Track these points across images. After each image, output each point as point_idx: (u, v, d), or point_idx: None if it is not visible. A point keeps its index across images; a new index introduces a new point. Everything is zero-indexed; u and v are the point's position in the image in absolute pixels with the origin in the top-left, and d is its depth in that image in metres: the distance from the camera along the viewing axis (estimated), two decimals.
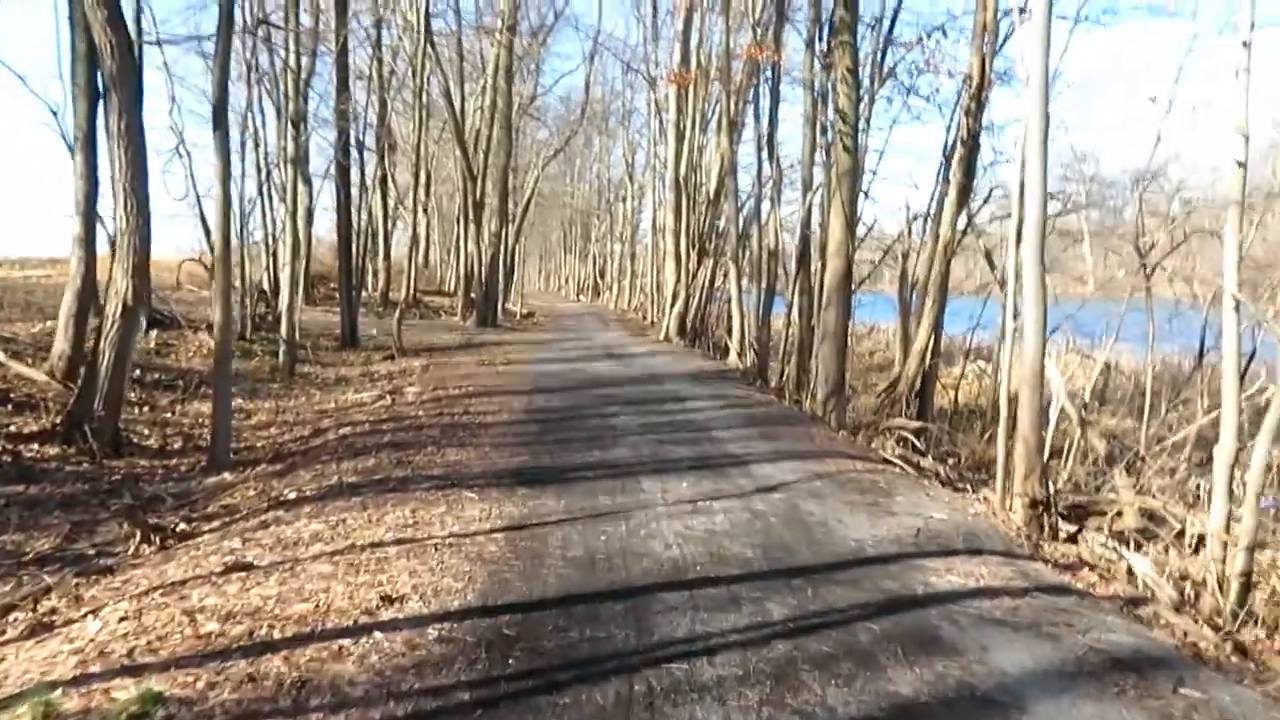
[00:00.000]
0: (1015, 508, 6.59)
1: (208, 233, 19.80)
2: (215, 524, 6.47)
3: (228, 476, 8.40)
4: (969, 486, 8.76)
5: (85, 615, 4.40)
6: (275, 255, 21.53)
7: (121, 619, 4.24)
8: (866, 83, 13.94)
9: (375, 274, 30.99)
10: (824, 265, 12.48)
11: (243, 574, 4.84)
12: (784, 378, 16.11)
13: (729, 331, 20.85)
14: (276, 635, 4.01)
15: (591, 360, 17.30)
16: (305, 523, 5.88)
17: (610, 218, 51.27)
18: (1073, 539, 6.72)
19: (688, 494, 6.78)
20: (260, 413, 12.06)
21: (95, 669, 3.69)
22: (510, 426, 9.79)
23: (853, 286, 11.79)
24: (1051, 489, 6.73)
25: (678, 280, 23.68)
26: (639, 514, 6.15)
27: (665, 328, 23.52)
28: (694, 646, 3.96)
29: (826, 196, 13.83)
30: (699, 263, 23.61)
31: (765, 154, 17.45)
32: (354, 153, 24.74)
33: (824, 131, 14.53)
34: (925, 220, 16.10)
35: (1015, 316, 7.31)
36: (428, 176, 36.64)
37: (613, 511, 6.20)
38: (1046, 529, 6.59)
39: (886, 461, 8.86)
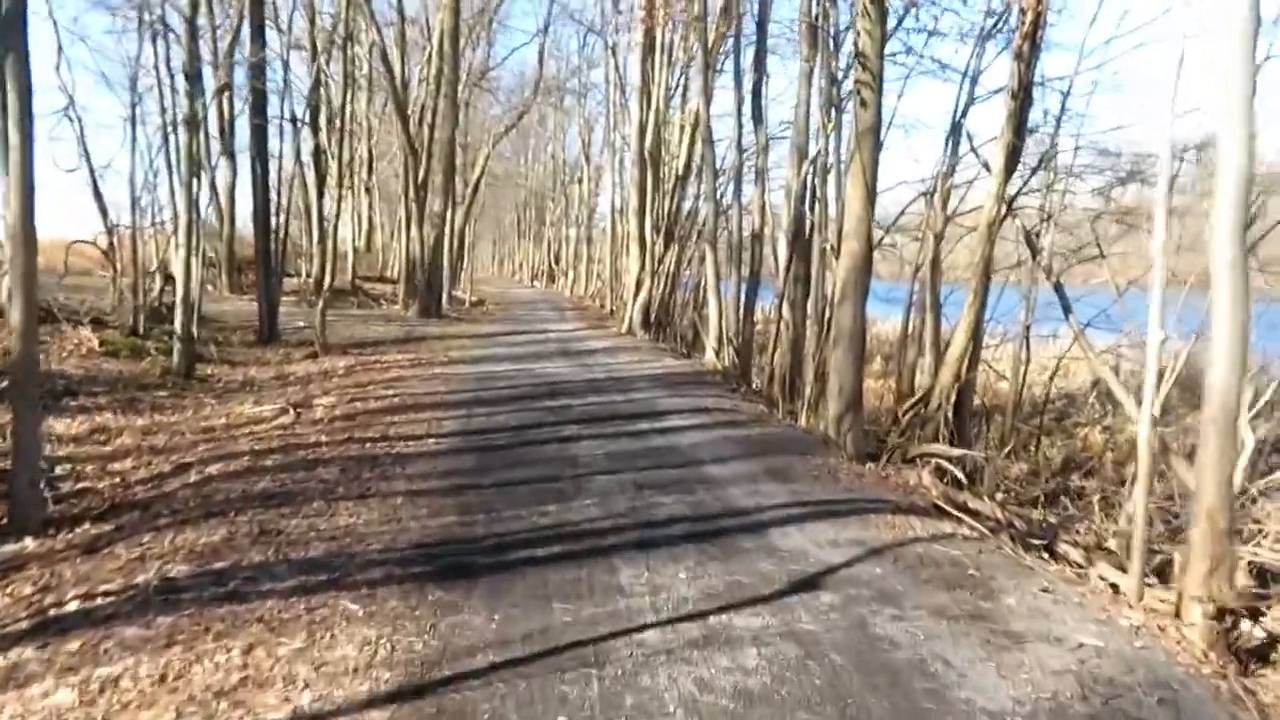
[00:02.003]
0: (1192, 616, 4.34)
1: (103, 212, 17.12)
2: None
3: (29, 544, 5.85)
4: (1048, 544, 6.55)
5: None
6: (190, 236, 18.66)
7: None
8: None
9: (311, 259, 28.17)
10: (837, 249, 10.11)
11: None
12: (771, 381, 13.79)
13: (699, 323, 18.52)
14: None
15: (546, 359, 14.89)
16: (51, 684, 3.42)
17: (566, 200, 48.83)
18: (1265, 655, 4.52)
19: (691, 596, 4.43)
20: (128, 433, 9.44)
21: None
22: (435, 460, 7.36)
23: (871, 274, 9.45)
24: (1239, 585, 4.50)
25: (641, 267, 21.25)
26: (620, 651, 3.79)
27: (628, 319, 21.12)
28: None
29: (837, 162, 11.52)
30: (665, 248, 21.24)
31: (751, 113, 14.92)
32: (284, 125, 21.91)
33: (833, 82, 12.11)
34: (929, 198, 13.92)
35: (1161, 324, 5.04)
36: (370, 153, 33.81)
37: (577, 643, 3.83)
38: (1232, 645, 4.38)
39: (939, 510, 6.61)
